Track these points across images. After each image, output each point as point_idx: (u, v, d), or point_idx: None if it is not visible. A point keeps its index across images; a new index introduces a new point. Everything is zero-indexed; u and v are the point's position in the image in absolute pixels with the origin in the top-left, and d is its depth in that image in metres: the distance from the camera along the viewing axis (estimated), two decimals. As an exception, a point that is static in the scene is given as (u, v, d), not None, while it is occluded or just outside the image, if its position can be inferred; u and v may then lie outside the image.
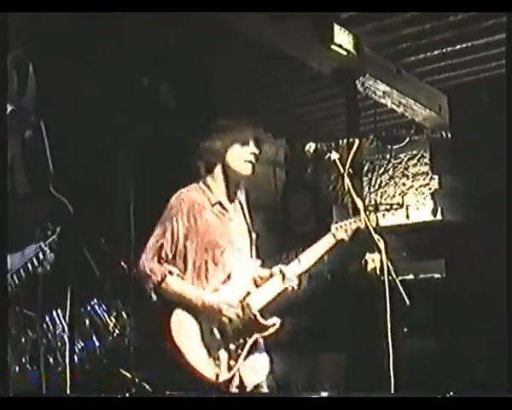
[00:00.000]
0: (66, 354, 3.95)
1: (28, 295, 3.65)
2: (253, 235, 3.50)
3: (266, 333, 3.32)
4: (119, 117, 5.31)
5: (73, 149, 4.90)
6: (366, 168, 8.52)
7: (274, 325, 3.34)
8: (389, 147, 8.38)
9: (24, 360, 4.27)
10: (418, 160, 8.41)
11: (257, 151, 3.42)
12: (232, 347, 3.23)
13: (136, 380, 4.52)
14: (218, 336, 3.22)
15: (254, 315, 3.29)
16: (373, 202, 8.16)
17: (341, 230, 3.50)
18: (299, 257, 3.43)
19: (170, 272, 3.25)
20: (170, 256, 3.30)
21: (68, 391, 3.51)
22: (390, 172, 8.57)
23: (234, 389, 3.23)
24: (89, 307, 4.82)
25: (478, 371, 5.71)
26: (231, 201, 3.47)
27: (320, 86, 6.84)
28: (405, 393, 2.82)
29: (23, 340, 4.28)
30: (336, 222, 3.55)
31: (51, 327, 4.52)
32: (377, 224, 7.17)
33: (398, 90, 6.72)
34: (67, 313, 3.57)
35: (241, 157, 3.40)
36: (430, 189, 8.18)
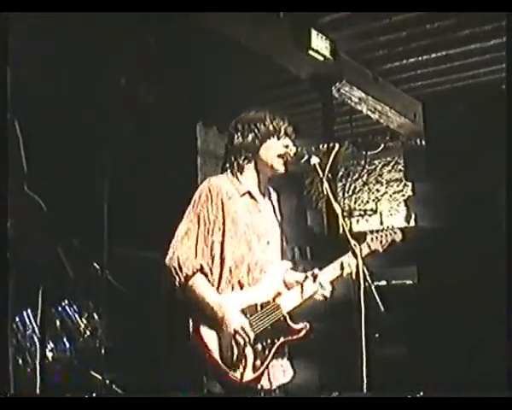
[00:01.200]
0: (37, 355, 3.89)
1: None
2: (285, 233, 3.40)
3: (295, 337, 3.22)
4: (95, 116, 5.26)
5: (47, 148, 4.85)
6: (340, 174, 8.57)
7: (303, 328, 3.23)
8: (364, 153, 8.43)
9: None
10: (392, 166, 8.47)
11: (291, 145, 3.32)
12: (259, 347, 3.12)
13: (107, 382, 4.48)
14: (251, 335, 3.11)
15: (284, 317, 3.19)
16: (347, 208, 8.20)
17: (377, 241, 3.44)
18: (332, 265, 3.30)
19: (201, 267, 3.12)
20: (201, 247, 3.18)
21: (38, 392, 3.45)
22: (364, 178, 8.62)
23: (264, 384, 3.14)
24: (60, 308, 4.75)
25: (448, 376, 5.75)
26: (262, 193, 3.36)
27: (297, 91, 6.86)
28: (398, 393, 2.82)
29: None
30: (371, 232, 3.48)
31: (21, 328, 4.46)
32: (350, 229, 7.20)
33: (373, 96, 6.76)
34: (38, 314, 3.51)
35: (276, 151, 3.30)
36: (404, 195, 8.25)
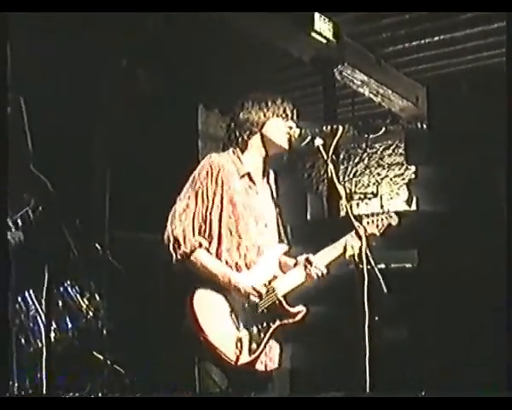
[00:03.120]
0: (42, 335, 3.90)
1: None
2: (283, 215, 3.38)
3: (291, 320, 3.22)
4: (96, 101, 5.25)
5: (51, 128, 4.84)
6: (341, 157, 8.56)
7: (300, 312, 3.23)
8: (365, 136, 8.42)
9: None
10: (393, 150, 8.46)
11: (295, 127, 3.31)
12: (255, 330, 3.13)
13: (108, 362, 4.50)
14: (241, 317, 3.13)
15: (279, 301, 3.19)
16: (348, 191, 8.20)
17: (373, 224, 3.43)
18: (327, 248, 3.31)
19: (200, 244, 3.13)
20: (199, 224, 3.17)
21: (40, 374, 3.47)
22: (365, 161, 8.62)
23: (259, 367, 3.16)
24: (62, 289, 4.76)
25: (448, 362, 5.77)
26: (262, 176, 3.37)
27: (299, 73, 6.84)
28: (398, 393, 2.83)
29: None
30: (367, 216, 3.47)
31: (24, 308, 4.47)
32: (351, 212, 7.19)
33: (376, 79, 6.75)
34: (43, 294, 3.52)
35: (281, 129, 3.29)
36: (404, 179, 8.24)
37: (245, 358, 3.09)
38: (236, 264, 3.21)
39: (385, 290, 2.93)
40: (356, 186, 8.58)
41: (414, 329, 6.16)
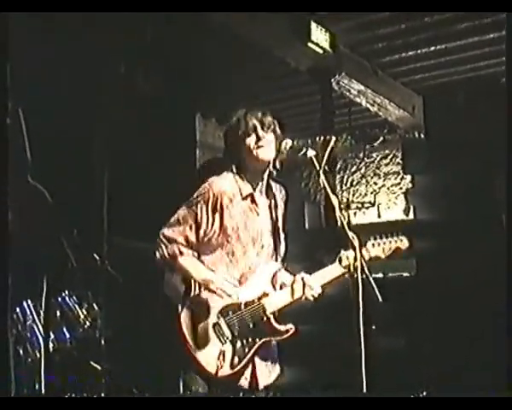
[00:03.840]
0: (40, 345, 3.90)
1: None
2: (282, 235, 3.38)
3: (279, 338, 3.25)
4: (94, 108, 5.27)
5: (49, 139, 4.86)
6: (338, 166, 8.57)
7: (288, 331, 3.23)
8: (362, 146, 8.44)
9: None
10: (390, 159, 8.49)
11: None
12: (239, 345, 3.15)
13: (107, 372, 4.50)
14: (226, 332, 3.16)
15: (268, 318, 3.21)
16: (345, 201, 8.21)
17: (379, 247, 3.42)
18: (323, 269, 3.31)
19: (181, 252, 3.20)
20: (191, 240, 3.23)
21: (39, 385, 3.47)
22: (362, 170, 8.64)
23: (243, 385, 3.19)
24: (59, 299, 4.77)
25: (447, 370, 5.78)
26: (266, 196, 3.37)
27: (296, 83, 6.87)
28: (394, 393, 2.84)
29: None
30: (374, 238, 3.44)
31: (21, 318, 4.48)
32: (349, 222, 7.21)
33: (372, 89, 6.78)
34: (41, 304, 3.53)
35: (273, 149, 3.28)
36: (401, 188, 8.26)
37: (226, 371, 3.11)
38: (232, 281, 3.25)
39: (380, 300, 2.94)
40: (353, 196, 8.60)
41: (412, 337, 6.17)
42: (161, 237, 3.25)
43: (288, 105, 7.65)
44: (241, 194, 3.28)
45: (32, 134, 2.98)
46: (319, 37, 5.77)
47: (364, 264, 2.97)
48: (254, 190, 3.32)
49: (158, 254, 3.25)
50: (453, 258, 6.37)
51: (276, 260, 3.38)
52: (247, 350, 3.17)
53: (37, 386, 3.60)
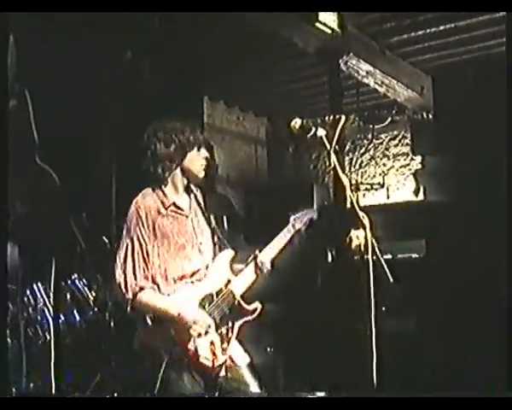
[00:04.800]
0: (50, 328, 3.93)
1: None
2: (213, 225, 3.56)
3: (251, 317, 3.46)
4: (102, 94, 5.25)
5: (57, 120, 4.85)
6: (347, 148, 8.54)
7: (256, 309, 3.48)
8: (371, 127, 8.40)
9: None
10: (399, 140, 8.44)
11: (209, 156, 3.52)
12: (224, 331, 3.34)
13: (117, 355, 4.52)
14: (208, 321, 3.31)
15: (238, 301, 3.43)
16: (354, 182, 8.19)
17: (298, 221, 3.70)
18: (273, 241, 3.57)
19: (141, 288, 3.29)
20: (141, 267, 3.33)
21: (50, 366, 3.49)
22: (371, 152, 8.60)
23: (225, 371, 3.33)
24: (69, 282, 4.80)
25: (454, 352, 5.78)
26: (187, 199, 3.54)
27: (304, 64, 6.83)
28: (400, 393, 2.84)
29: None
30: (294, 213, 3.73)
31: (32, 301, 4.50)
32: (358, 203, 7.17)
33: (381, 70, 6.72)
34: (50, 287, 3.54)
35: (197, 161, 3.47)
36: (410, 169, 8.22)
37: (220, 359, 3.29)
38: (190, 283, 3.41)
39: (391, 280, 2.94)
40: (362, 177, 8.56)
41: (422, 319, 6.17)
42: (117, 283, 3.34)
43: (296, 87, 7.61)
44: (164, 206, 3.41)
45: (41, 116, 2.98)
46: (327, 17, 5.72)
47: (375, 244, 2.97)
48: (175, 198, 3.47)
49: (125, 301, 3.31)
50: (462, 239, 6.36)
51: (225, 247, 3.54)
52: (230, 334, 3.37)
53: (47, 367, 3.60)
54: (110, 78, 5.33)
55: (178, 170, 3.46)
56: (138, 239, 3.33)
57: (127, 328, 4.69)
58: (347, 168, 8.45)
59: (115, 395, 3.73)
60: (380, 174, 8.45)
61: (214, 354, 3.24)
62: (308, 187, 7.52)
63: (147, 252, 3.34)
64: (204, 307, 3.32)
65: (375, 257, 2.98)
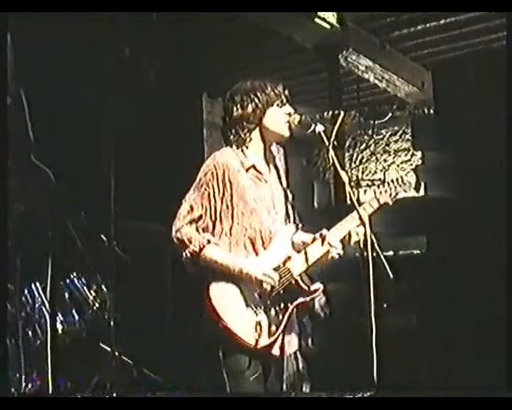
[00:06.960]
0: (48, 328, 3.90)
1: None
2: (290, 196, 3.38)
3: (308, 298, 3.22)
4: (100, 89, 5.23)
5: (54, 118, 4.83)
6: (348, 144, 8.52)
7: (317, 290, 3.24)
8: (371, 123, 8.36)
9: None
10: (400, 136, 8.42)
11: (293, 111, 3.31)
12: (273, 312, 3.14)
13: (116, 354, 4.51)
14: (258, 301, 3.14)
15: (296, 280, 3.20)
16: (354, 178, 8.17)
17: (386, 194, 3.45)
18: (340, 223, 3.30)
19: (208, 241, 3.14)
20: (206, 223, 3.19)
21: (48, 366, 3.47)
22: (371, 147, 8.58)
23: (275, 352, 3.16)
24: (68, 281, 4.77)
25: (456, 348, 5.76)
26: (266, 163, 3.36)
27: (303, 60, 6.80)
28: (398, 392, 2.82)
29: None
30: (378, 187, 3.48)
31: (30, 300, 4.48)
32: (358, 200, 7.15)
33: (381, 65, 6.69)
34: (48, 286, 3.52)
35: (280, 118, 3.29)
36: (411, 165, 8.21)
37: (264, 341, 3.10)
38: (255, 251, 3.23)
39: (391, 277, 2.90)
40: (363, 173, 8.55)
41: (423, 315, 6.15)
42: (178, 235, 3.17)
43: (296, 83, 7.58)
44: (243, 167, 3.26)
45: (38, 115, 2.96)
46: (326, 12, 5.69)
47: (375, 240, 2.94)
48: (255, 161, 3.30)
49: (187, 254, 3.15)
50: (463, 234, 6.33)
51: (291, 222, 3.37)
52: (281, 317, 3.15)
53: (45, 367, 3.59)
54: (109, 75, 5.31)
55: (257, 130, 3.29)
56: (209, 196, 3.17)
57: (127, 326, 4.69)
58: (348, 165, 8.44)
59: (115, 395, 3.70)
60: (381, 170, 8.43)
61: (259, 334, 3.08)
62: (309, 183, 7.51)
63: (216, 210, 3.19)
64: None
65: (375, 254, 2.95)
